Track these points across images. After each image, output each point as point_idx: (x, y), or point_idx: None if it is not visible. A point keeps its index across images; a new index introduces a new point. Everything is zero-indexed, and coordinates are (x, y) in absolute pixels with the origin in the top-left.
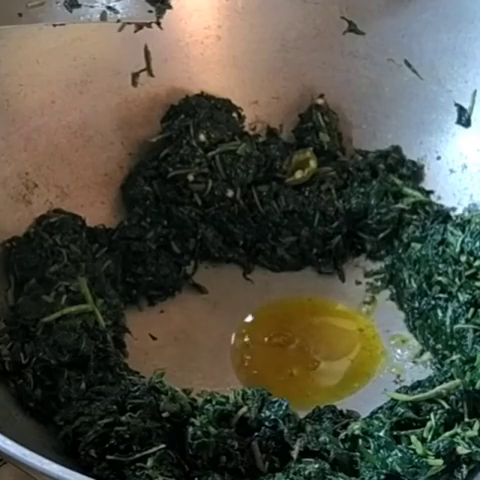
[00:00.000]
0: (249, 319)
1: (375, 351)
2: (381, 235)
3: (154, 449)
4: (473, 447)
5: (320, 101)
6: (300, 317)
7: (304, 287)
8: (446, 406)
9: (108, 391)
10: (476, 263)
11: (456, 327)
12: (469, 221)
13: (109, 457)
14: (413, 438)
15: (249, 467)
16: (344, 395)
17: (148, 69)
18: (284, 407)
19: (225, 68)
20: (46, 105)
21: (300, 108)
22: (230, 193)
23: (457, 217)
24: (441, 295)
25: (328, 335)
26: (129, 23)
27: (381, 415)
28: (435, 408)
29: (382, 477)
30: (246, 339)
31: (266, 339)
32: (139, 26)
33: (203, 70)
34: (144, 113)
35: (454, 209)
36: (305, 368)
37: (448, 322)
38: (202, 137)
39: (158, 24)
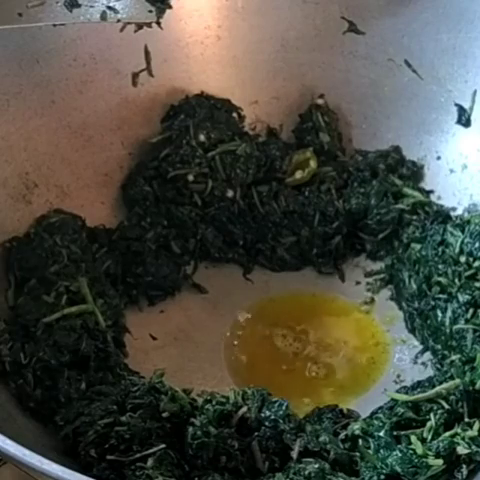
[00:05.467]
0: (247, 317)
1: (375, 351)
2: (381, 235)
3: (154, 449)
4: (473, 447)
5: (320, 101)
6: (299, 317)
7: (304, 287)
8: (446, 406)
9: (108, 391)
10: (475, 264)
11: (456, 327)
12: (469, 222)
13: (109, 457)
14: (413, 438)
15: (249, 467)
16: (344, 395)
17: (148, 69)
18: (284, 407)
19: (225, 68)
20: (46, 105)
21: (300, 108)
22: (230, 193)
23: (457, 218)
24: (441, 295)
25: (327, 335)
26: (129, 23)
27: (381, 415)
28: (435, 408)
29: (382, 477)
30: (243, 337)
31: (265, 338)
32: (139, 26)
33: (203, 70)
34: (144, 113)
35: (454, 209)
36: (304, 368)
37: (448, 322)
38: (202, 137)
39: (158, 24)
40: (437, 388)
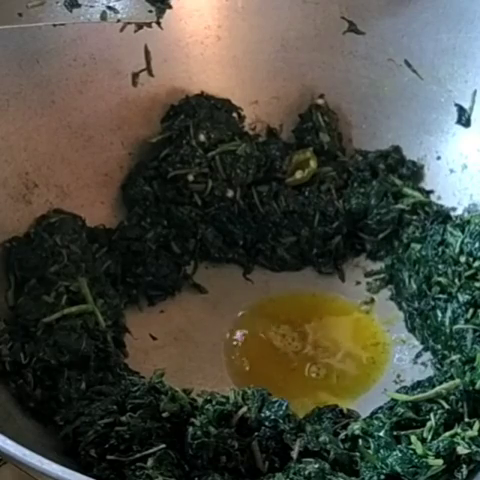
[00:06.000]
0: (247, 317)
1: (375, 351)
2: (381, 235)
3: (154, 449)
4: (473, 447)
5: (320, 101)
6: (299, 317)
7: (304, 287)
8: (446, 406)
9: (108, 391)
10: (475, 264)
11: (455, 327)
12: (469, 222)
13: (109, 457)
14: (413, 438)
15: (249, 467)
16: (344, 395)
17: (148, 69)
18: (284, 407)
19: (225, 68)
20: (46, 105)
21: (300, 108)
22: (230, 193)
23: (457, 218)
24: (441, 295)
25: (327, 335)
26: (129, 23)
27: (381, 415)
28: (435, 408)
29: (382, 477)
30: (243, 338)
31: (265, 338)
32: (139, 26)
33: (203, 70)
34: (144, 113)
35: (454, 209)
36: (304, 368)
37: (447, 322)
38: (202, 137)
39: (158, 24)
40: (437, 388)
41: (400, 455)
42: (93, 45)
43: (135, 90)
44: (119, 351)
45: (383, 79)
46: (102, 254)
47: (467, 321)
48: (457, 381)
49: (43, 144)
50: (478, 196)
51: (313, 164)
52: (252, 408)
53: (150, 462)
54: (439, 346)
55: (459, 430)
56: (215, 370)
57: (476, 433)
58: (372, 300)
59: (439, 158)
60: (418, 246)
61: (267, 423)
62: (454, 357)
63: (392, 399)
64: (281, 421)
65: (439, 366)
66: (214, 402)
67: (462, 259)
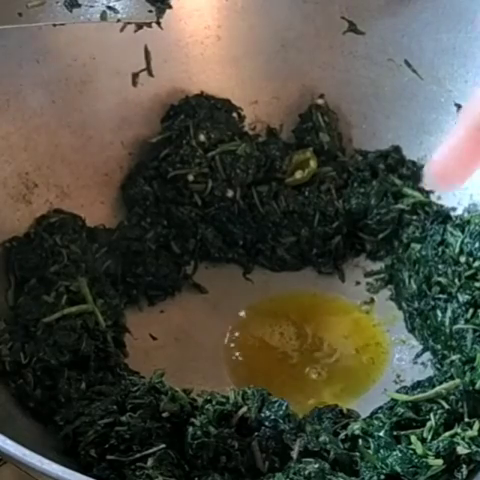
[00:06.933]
0: (247, 317)
1: (375, 351)
2: (381, 235)
3: (154, 449)
4: (473, 447)
5: (320, 101)
6: (299, 317)
7: (304, 287)
8: (446, 406)
9: (108, 391)
10: (475, 264)
11: (455, 327)
12: (469, 222)
13: (109, 457)
14: (413, 438)
15: (249, 467)
16: (344, 395)
17: (148, 69)
18: (284, 407)
19: (225, 68)
20: (46, 105)
21: (300, 108)
22: (230, 193)
23: (457, 218)
24: (441, 295)
25: (327, 335)
26: (129, 23)
27: (381, 415)
28: (435, 408)
29: (382, 477)
30: (243, 337)
31: (265, 338)
32: (139, 26)
33: (203, 70)
34: (144, 113)
35: (454, 209)
36: (304, 368)
37: (447, 322)
38: (202, 137)
39: (158, 24)
40: (437, 388)
41: (400, 455)
42: (93, 45)
43: (135, 90)
44: (119, 351)
45: (383, 79)
46: (102, 254)
47: (467, 321)
48: (457, 381)
49: (43, 144)
50: (478, 196)
51: (313, 164)
52: (252, 408)
53: (150, 462)
54: (439, 346)
55: (459, 430)
56: (215, 370)
57: (476, 433)
58: (372, 300)
59: None
60: (418, 246)
61: (267, 423)
62: (454, 357)
63: (392, 399)
64: (281, 421)
65: (439, 366)
66: (214, 402)
67: (462, 259)
